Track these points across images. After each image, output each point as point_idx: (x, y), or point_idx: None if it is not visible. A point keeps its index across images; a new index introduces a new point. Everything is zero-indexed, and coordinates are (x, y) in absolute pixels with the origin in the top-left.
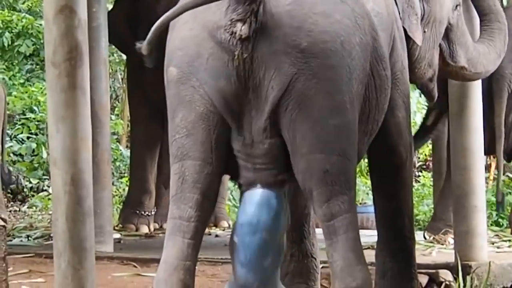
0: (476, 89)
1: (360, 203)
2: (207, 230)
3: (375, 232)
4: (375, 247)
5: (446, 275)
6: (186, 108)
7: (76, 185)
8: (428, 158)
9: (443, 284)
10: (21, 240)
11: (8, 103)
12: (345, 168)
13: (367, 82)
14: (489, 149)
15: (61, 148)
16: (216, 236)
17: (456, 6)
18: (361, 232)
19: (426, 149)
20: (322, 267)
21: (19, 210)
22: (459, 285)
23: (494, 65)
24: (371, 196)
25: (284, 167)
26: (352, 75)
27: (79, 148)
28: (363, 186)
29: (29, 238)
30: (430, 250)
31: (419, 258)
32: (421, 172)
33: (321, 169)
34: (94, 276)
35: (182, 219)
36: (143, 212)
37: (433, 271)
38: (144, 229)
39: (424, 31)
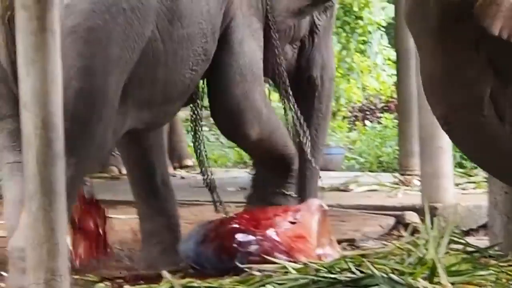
0: None
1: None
2: (172, 172)
3: (339, 174)
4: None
5: (412, 217)
6: None
7: (46, 128)
8: (390, 100)
9: (410, 226)
10: None
11: None
12: (70, 133)
13: (152, 45)
14: None
15: (31, 91)
16: (182, 178)
17: (326, 10)
18: (325, 174)
19: (388, 90)
20: None
21: None
22: (425, 227)
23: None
24: (334, 138)
25: None
26: (109, 41)
27: (49, 91)
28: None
29: None
30: (396, 192)
31: (386, 200)
32: (383, 113)
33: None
34: (65, 218)
35: None
36: (112, 154)
37: (400, 213)
38: (113, 171)
39: None
